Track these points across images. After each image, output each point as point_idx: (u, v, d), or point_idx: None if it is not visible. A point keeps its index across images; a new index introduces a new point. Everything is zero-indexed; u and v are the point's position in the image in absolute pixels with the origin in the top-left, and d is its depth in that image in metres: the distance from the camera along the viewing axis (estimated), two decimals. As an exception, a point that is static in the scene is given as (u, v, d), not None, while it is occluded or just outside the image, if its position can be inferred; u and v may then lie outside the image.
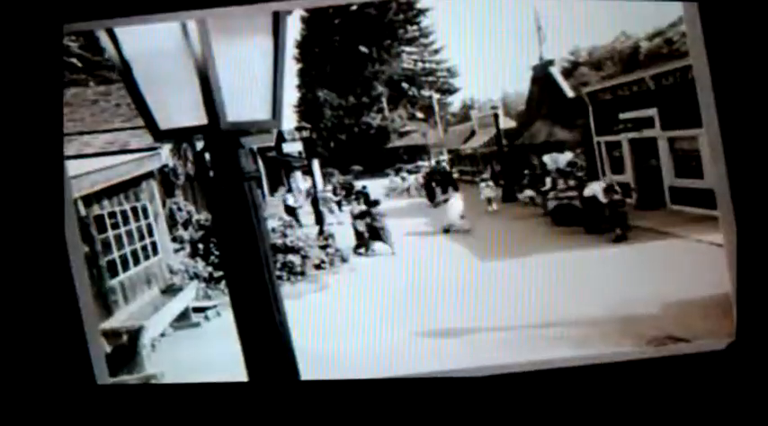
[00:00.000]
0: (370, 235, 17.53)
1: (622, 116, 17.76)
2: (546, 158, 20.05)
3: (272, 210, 18.05)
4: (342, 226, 19.30)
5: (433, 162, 26.33)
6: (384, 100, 27.50)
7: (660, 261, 12.87)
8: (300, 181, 23.74)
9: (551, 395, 2.95)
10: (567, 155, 19.93)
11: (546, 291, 11.84)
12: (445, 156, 26.34)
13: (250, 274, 2.82)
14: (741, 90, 2.70)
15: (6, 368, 2.68)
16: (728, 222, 2.86)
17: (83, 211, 12.08)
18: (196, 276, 14.58)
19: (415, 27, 27.52)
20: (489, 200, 20.13)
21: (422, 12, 27.22)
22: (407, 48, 27.70)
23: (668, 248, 13.80)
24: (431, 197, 21.87)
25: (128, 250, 13.52)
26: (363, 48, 26.87)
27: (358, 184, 22.90)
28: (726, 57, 2.70)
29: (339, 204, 21.21)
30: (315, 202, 19.09)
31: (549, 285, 12.18)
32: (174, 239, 15.45)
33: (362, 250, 17.41)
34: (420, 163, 26.62)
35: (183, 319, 13.02)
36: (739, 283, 2.86)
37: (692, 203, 15.67)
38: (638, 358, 3.01)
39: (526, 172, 20.36)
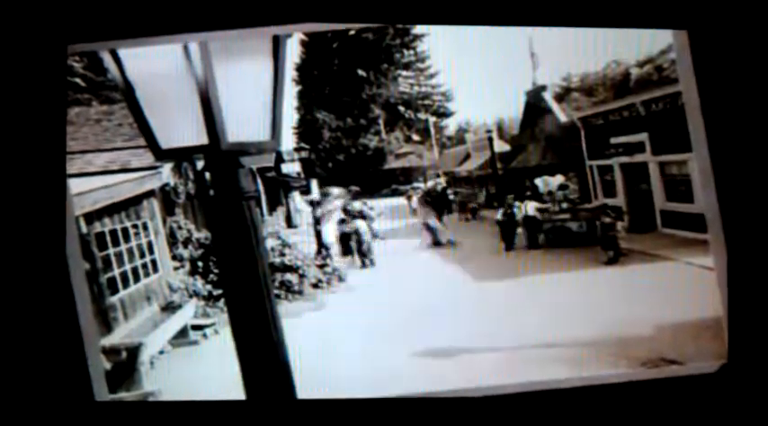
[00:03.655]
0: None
1: (614, 140, 17.87)
2: (537, 181, 20.12)
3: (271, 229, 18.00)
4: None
5: (429, 183, 26.31)
6: (381, 122, 27.55)
7: (651, 283, 12.87)
8: (299, 203, 23.72)
9: (546, 416, 2.97)
10: (559, 178, 20.00)
11: (539, 313, 11.87)
12: (441, 179, 26.30)
13: (248, 292, 2.85)
14: (730, 115, 2.74)
15: (4, 383, 2.69)
16: (719, 245, 2.88)
17: (84, 228, 12.08)
18: (195, 294, 14.55)
19: (411, 52, 27.64)
20: None
21: (418, 37, 27.34)
22: (404, 73, 27.79)
23: (659, 271, 13.83)
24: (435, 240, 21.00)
25: (128, 267, 13.51)
26: (361, 72, 26.93)
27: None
28: (715, 84, 2.74)
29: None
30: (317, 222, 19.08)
31: (541, 306, 12.22)
32: (174, 257, 15.41)
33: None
34: (416, 184, 26.60)
35: (181, 336, 13.01)
36: (730, 306, 2.88)
37: (682, 227, 15.74)
38: (631, 379, 3.01)
39: (528, 194, 20.28)
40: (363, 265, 18.14)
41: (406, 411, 2.94)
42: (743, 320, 2.86)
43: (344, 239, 18.73)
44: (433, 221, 19.94)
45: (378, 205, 23.42)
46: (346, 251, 18.51)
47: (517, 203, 18.66)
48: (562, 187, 19.81)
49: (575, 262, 15.40)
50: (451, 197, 24.44)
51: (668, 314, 10.79)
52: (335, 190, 23.74)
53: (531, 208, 18.24)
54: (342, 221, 19.50)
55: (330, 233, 19.10)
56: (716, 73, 2.73)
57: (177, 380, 11.22)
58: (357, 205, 21.75)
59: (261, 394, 2.92)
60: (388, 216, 23.31)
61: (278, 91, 2.95)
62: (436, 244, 19.53)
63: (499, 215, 18.63)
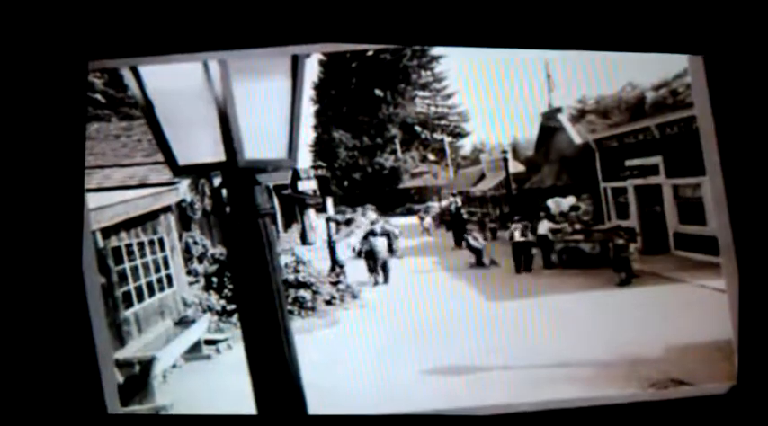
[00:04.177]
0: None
1: (628, 163, 17.85)
2: (549, 202, 20.06)
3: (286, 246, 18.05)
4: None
5: (444, 203, 26.27)
6: (397, 142, 27.58)
7: (663, 305, 12.80)
8: (315, 220, 23.76)
9: (555, 435, 3.00)
10: (570, 200, 19.96)
11: (550, 333, 11.84)
12: (457, 198, 26.23)
13: (262, 308, 2.87)
14: (744, 140, 2.75)
15: (18, 395, 2.71)
16: (731, 268, 2.88)
17: (101, 243, 12.11)
18: (209, 309, 14.55)
19: (428, 73, 27.67)
20: None
21: (435, 58, 27.39)
22: (421, 93, 27.82)
23: (671, 293, 13.74)
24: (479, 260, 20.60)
25: (143, 281, 13.53)
26: (378, 92, 26.97)
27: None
28: (730, 109, 2.75)
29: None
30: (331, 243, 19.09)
31: (553, 326, 12.18)
32: (189, 272, 15.43)
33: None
34: (430, 203, 26.58)
35: (194, 351, 13.00)
36: (741, 328, 2.88)
37: (695, 249, 15.67)
38: (640, 400, 3.00)
39: (542, 214, 20.13)
40: (375, 283, 18.11)
41: (417, 428, 2.95)
42: (753, 342, 2.86)
43: (364, 256, 18.70)
44: (475, 241, 19.79)
45: (395, 224, 23.40)
46: (370, 268, 18.48)
47: (515, 225, 18.62)
48: (574, 208, 19.77)
49: (587, 283, 15.34)
50: (465, 216, 24.34)
51: (679, 335, 10.76)
52: (372, 214, 23.73)
53: (543, 227, 18.21)
54: (364, 238, 19.50)
55: (344, 251, 19.12)
56: (730, 97, 2.74)
57: (189, 394, 11.22)
58: (380, 223, 21.76)
59: (272, 410, 2.92)
60: (403, 234, 23.27)
61: (295, 109, 2.99)
62: (479, 264, 19.36)
63: (517, 235, 18.49)
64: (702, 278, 13.62)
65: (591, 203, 19.96)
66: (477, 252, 19.47)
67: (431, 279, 18.25)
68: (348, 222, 21.94)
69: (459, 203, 25.21)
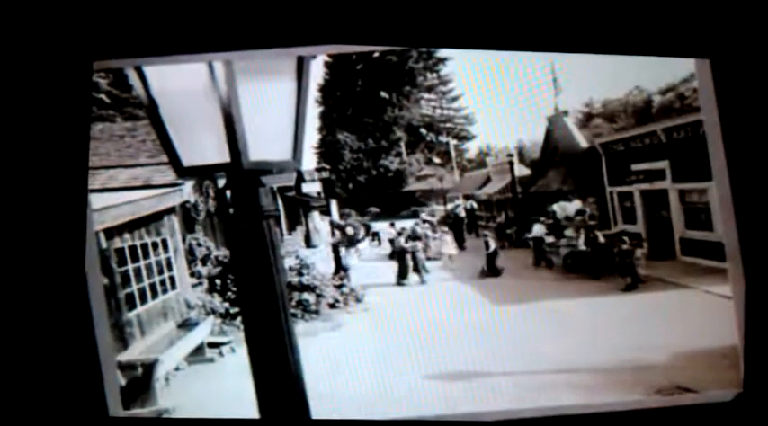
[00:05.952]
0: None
1: (634, 167, 17.80)
2: (555, 207, 19.99)
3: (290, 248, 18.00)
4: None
5: (449, 206, 26.15)
6: (402, 144, 27.49)
7: (669, 311, 12.78)
8: (318, 222, 23.68)
9: (560, 442, 2.97)
10: (576, 204, 19.88)
11: (555, 338, 11.81)
12: (462, 202, 26.11)
13: (265, 311, 2.85)
14: (751, 145, 2.75)
15: (22, 397, 2.73)
16: (737, 274, 2.89)
17: (104, 244, 12.13)
18: (212, 311, 14.54)
19: (434, 75, 27.57)
20: None
21: (441, 60, 27.29)
22: (426, 95, 27.71)
23: (677, 298, 13.71)
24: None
25: (146, 283, 13.53)
26: (384, 94, 26.91)
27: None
28: (736, 113, 2.75)
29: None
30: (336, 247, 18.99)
31: (558, 332, 12.14)
32: (193, 274, 15.41)
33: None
34: (435, 207, 26.48)
35: (197, 354, 12.99)
36: (747, 335, 2.88)
37: (701, 255, 15.60)
38: (646, 407, 3.01)
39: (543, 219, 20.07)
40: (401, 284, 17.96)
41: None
42: (759, 349, 2.84)
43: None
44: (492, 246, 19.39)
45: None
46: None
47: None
48: (580, 212, 19.69)
49: (592, 289, 15.30)
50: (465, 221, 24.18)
51: (685, 341, 10.72)
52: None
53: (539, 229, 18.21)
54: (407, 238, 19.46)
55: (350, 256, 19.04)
56: (737, 102, 2.75)
57: (192, 397, 11.22)
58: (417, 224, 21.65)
59: (274, 414, 2.88)
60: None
61: (300, 111, 2.98)
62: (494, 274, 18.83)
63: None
64: (708, 284, 13.57)
65: (596, 207, 19.90)
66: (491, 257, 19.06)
67: (436, 282, 18.17)
68: (349, 231, 21.79)
69: (475, 205, 25.04)
